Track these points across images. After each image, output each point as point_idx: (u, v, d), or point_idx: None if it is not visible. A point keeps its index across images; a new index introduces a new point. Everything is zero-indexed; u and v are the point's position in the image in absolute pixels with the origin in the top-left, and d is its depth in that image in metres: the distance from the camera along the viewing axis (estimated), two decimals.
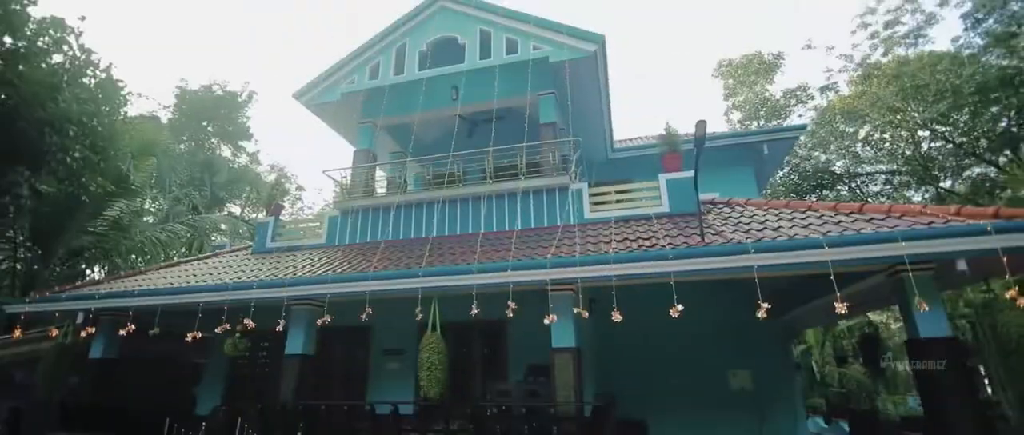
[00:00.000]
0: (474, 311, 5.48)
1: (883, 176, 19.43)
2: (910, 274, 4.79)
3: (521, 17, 8.91)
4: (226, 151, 25.72)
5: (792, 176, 19.46)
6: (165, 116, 23.51)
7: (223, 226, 20.35)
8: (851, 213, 5.91)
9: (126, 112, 11.70)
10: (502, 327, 7.74)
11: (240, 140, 26.00)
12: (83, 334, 7.52)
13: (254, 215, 23.22)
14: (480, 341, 8.05)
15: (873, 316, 18.32)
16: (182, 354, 10.34)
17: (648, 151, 10.64)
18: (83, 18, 10.76)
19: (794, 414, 8.99)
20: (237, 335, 6.96)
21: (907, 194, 18.98)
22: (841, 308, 4.61)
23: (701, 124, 5.23)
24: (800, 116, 20.91)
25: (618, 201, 7.79)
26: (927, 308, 4.63)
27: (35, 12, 9.10)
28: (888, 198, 18.83)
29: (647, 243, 5.84)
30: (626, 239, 6.16)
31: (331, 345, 8.50)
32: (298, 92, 9.81)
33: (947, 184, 18.22)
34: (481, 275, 5.70)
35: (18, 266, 12.29)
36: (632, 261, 5.36)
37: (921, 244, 4.71)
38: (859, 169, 19.47)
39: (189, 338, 6.38)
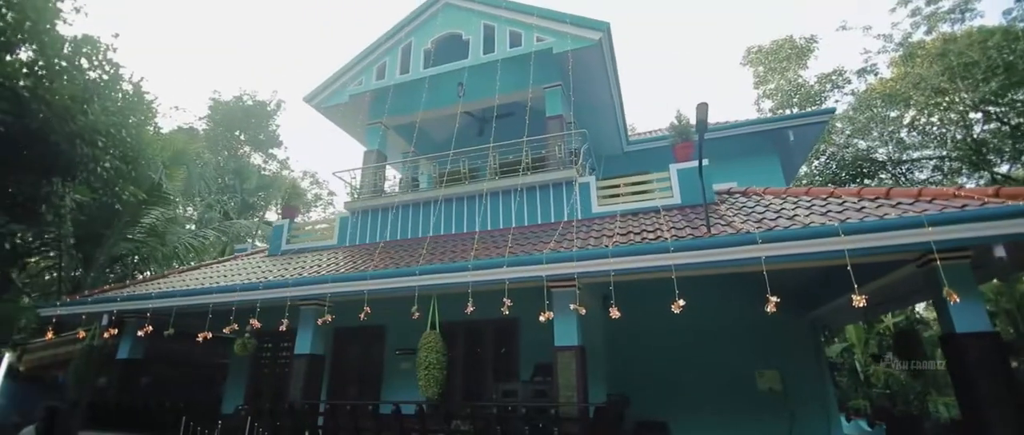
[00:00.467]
0: (469, 309, 5.37)
1: (932, 163, 18.14)
2: (939, 263, 4.35)
3: (524, 9, 8.73)
4: (257, 159, 26.59)
5: (830, 165, 18.45)
6: (201, 127, 24.56)
7: (256, 231, 21.05)
8: (876, 198, 5.46)
9: (156, 124, 12.20)
10: (514, 325, 7.60)
11: (271, 148, 26.86)
12: (106, 335, 7.83)
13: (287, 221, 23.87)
14: (492, 339, 7.91)
15: (922, 311, 17.12)
16: (208, 355, 10.69)
17: (665, 143, 10.25)
18: (116, 36, 11.19)
19: (827, 416, 8.42)
20: (246, 335, 7.10)
21: (959, 180, 17.63)
22: (858, 301, 4.23)
23: (702, 106, 4.94)
24: (837, 102, 19.77)
25: (631, 194, 7.50)
26: (958, 300, 4.16)
27: (69, 31, 9.62)
28: (937, 186, 17.54)
29: (651, 236, 5.56)
30: (630, 232, 5.89)
31: (348, 345, 8.59)
32: (308, 96, 9.96)
33: (1004, 169, 16.81)
34: (477, 272, 5.57)
35: (63, 272, 13.00)
36: (631, 254, 5.10)
37: (950, 229, 4.26)
38: (904, 156, 18.25)
39: (199, 338, 6.54)
